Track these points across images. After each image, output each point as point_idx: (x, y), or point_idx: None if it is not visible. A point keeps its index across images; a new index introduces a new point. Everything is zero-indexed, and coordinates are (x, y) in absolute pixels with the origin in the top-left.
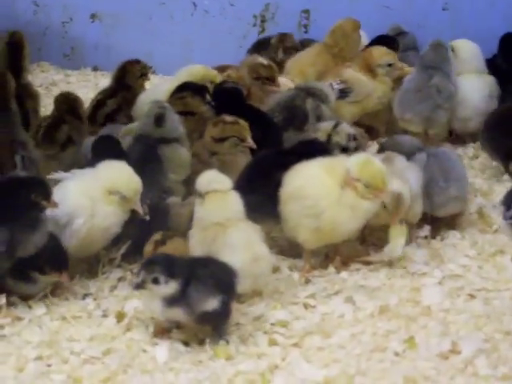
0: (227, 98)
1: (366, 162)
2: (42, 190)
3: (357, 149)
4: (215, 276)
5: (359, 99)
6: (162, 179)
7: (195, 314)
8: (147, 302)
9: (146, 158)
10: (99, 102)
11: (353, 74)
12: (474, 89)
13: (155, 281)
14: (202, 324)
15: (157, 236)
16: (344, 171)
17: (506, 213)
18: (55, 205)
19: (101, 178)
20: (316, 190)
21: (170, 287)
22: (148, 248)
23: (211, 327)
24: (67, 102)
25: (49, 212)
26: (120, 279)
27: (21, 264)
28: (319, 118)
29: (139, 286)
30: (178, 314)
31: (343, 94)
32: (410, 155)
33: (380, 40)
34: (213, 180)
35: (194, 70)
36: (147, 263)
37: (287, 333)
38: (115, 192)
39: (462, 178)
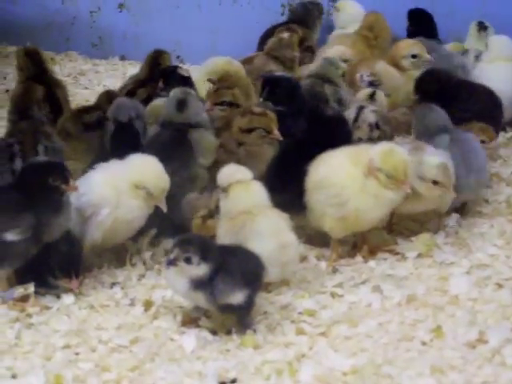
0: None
1: (390, 152)
2: (59, 173)
3: (380, 137)
4: (243, 268)
5: (388, 92)
6: (192, 163)
7: (218, 304)
8: (174, 279)
9: (175, 142)
10: (129, 92)
11: (384, 66)
12: (507, 78)
13: (187, 260)
14: (224, 313)
15: (203, 210)
16: (368, 160)
17: None
18: (75, 188)
19: (130, 171)
20: (340, 178)
21: (201, 269)
22: (196, 221)
23: (234, 317)
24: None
25: (73, 200)
26: (148, 268)
27: (37, 269)
28: (340, 102)
29: (171, 263)
30: (201, 299)
31: (372, 86)
32: (437, 129)
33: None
34: (234, 172)
35: (214, 62)
36: (182, 242)
37: (314, 322)
38: (142, 187)
39: (482, 168)
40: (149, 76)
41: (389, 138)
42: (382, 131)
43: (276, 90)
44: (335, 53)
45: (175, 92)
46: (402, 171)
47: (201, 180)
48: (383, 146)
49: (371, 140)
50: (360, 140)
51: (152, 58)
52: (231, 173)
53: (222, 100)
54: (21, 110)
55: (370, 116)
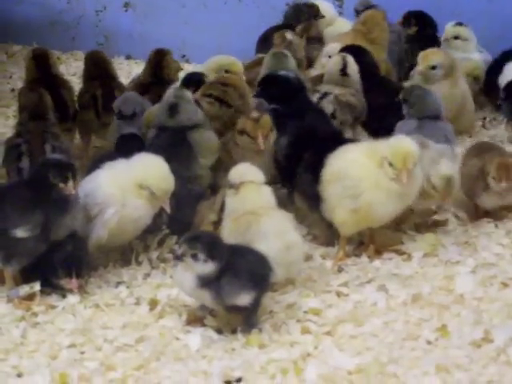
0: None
1: (396, 141)
2: (59, 171)
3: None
4: (251, 268)
5: None
6: (192, 164)
7: (224, 304)
8: (181, 275)
9: (173, 144)
10: None
11: None
12: None
13: (194, 257)
14: (229, 312)
15: (213, 216)
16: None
17: None
18: (71, 189)
19: (134, 170)
20: (356, 171)
21: (208, 267)
22: (207, 228)
23: (240, 316)
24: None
25: (79, 198)
26: (153, 267)
27: (42, 268)
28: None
29: (178, 258)
30: (207, 298)
31: None
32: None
33: None
34: (248, 171)
35: (215, 61)
36: (191, 238)
37: (320, 321)
38: (145, 187)
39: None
40: (151, 78)
41: (350, 126)
42: (339, 120)
43: (271, 88)
44: (333, 51)
45: (168, 96)
46: (401, 159)
47: (203, 180)
48: (395, 137)
49: None
50: None
51: (154, 60)
52: (245, 172)
53: (210, 93)
54: (35, 115)
55: (328, 107)
